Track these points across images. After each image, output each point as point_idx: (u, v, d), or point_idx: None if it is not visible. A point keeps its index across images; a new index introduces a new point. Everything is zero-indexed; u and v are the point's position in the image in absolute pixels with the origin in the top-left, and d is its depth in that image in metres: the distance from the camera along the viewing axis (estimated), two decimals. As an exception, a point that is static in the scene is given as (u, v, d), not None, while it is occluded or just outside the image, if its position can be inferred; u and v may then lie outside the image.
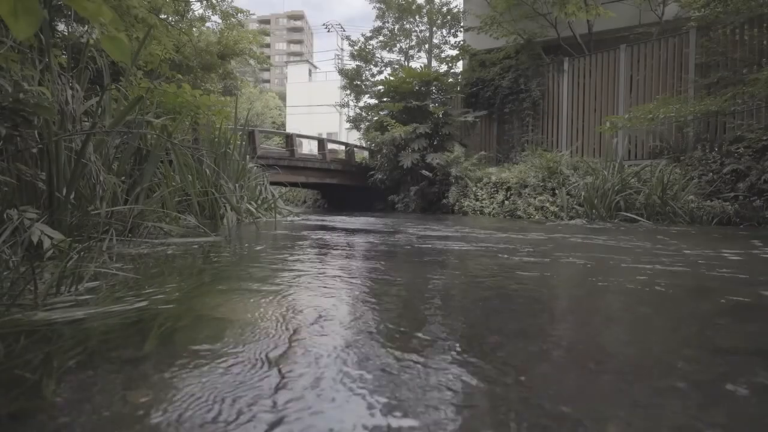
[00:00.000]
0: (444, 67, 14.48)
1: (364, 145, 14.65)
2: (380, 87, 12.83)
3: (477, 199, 9.59)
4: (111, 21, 0.93)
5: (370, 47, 18.35)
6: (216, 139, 4.93)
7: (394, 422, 0.66)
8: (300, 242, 3.41)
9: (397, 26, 17.92)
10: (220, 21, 12.22)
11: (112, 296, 1.40)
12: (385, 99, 12.61)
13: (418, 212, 10.58)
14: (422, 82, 12.00)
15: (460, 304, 1.51)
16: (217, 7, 11.45)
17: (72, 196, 2.16)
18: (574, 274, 2.15)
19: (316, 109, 36.73)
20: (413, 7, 17.15)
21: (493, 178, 9.47)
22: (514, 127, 11.50)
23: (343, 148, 14.36)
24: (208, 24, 12.51)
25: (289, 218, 6.35)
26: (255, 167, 5.92)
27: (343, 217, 7.34)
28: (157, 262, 2.13)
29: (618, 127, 8.41)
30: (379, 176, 11.83)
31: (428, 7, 17.19)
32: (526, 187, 8.66)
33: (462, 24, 15.25)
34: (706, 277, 2.00)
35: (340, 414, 0.68)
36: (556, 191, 8.02)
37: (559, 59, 10.83)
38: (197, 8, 11.88)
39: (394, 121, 11.13)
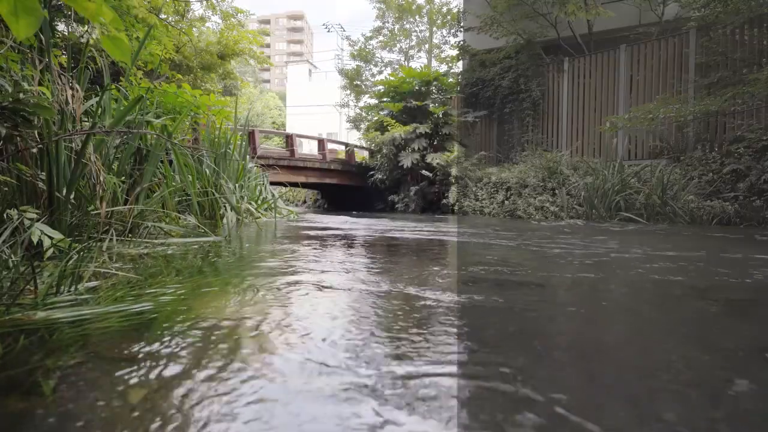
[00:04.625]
0: (444, 67, 14.53)
1: (364, 145, 14.65)
2: (380, 87, 12.86)
3: (477, 199, 9.59)
4: (111, 21, 0.93)
5: (370, 47, 18.36)
6: (216, 139, 4.93)
7: None
8: (299, 241, 3.41)
9: (397, 26, 17.93)
10: (220, 21, 12.24)
11: (112, 296, 1.40)
12: (385, 99, 12.63)
13: (418, 212, 10.58)
14: (422, 82, 12.02)
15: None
16: (217, 8, 11.46)
17: (72, 196, 2.16)
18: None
19: (316, 109, 36.76)
20: (413, 7, 17.16)
21: (493, 178, 9.47)
22: (514, 127, 11.50)
23: (343, 148, 14.37)
24: (208, 24, 12.53)
25: (289, 218, 6.34)
26: (255, 167, 5.92)
27: (345, 218, 7.34)
28: (156, 263, 2.13)
29: (618, 127, 8.41)
30: (379, 176, 11.83)
31: (428, 7, 17.20)
32: (526, 187, 8.66)
33: (462, 24, 15.25)
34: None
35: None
36: (556, 191, 8.03)
37: (559, 59, 10.83)
38: (197, 8, 11.90)
39: (394, 121, 11.14)
